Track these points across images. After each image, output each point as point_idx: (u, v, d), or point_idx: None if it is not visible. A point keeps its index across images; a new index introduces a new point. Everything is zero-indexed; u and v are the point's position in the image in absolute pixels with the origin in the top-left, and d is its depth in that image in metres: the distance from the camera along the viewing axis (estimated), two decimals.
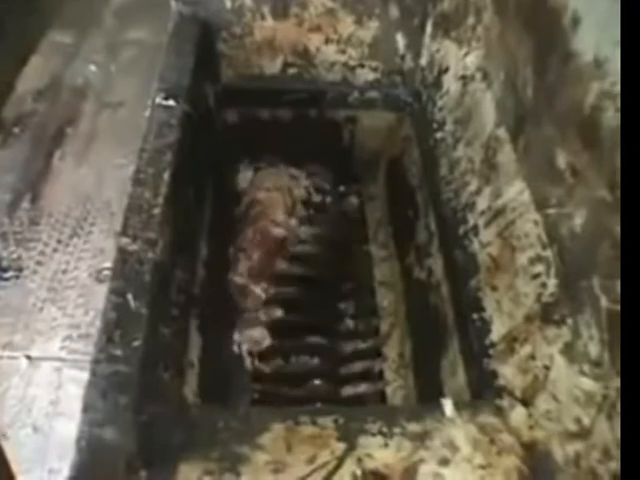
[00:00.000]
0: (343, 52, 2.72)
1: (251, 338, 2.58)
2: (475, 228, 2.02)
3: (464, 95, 2.23)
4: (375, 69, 2.79)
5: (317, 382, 2.53)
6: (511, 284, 1.76)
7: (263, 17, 2.60)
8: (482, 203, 1.99)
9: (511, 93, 1.87)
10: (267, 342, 2.59)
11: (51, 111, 2.18)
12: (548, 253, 1.58)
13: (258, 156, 3.16)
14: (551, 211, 1.58)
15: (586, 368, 1.39)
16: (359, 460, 1.51)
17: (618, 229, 1.29)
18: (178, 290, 1.92)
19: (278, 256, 2.87)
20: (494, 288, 1.86)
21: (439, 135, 2.42)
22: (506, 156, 1.87)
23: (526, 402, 1.62)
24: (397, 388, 2.54)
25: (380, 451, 1.55)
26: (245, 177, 3.13)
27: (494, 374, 1.79)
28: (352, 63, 2.77)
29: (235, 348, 2.56)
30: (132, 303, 1.56)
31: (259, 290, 2.72)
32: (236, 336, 2.59)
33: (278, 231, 2.93)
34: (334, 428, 1.60)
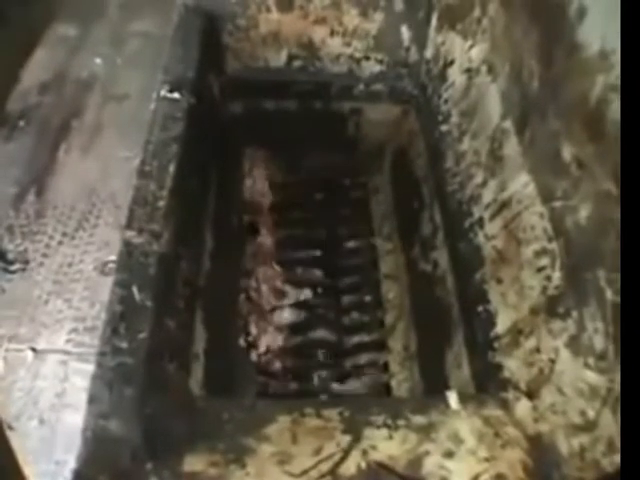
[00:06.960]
0: (348, 44, 2.72)
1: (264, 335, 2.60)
2: (480, 221, 2.02)
3: (469, 88, 2.22)
4: (380, 61, 2.78)
5: (322, 374, 2.54)
6: (516, 277, 1.76)
7: (268, 9, 2.59)
8: (487, 196, 1.99)
9: (516, 86, 1.86)
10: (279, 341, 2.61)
11: (56, 104, 2.18)
12: (553, 246, 1.58)
13: (263, 148, 3.15)
14: (557, 204, 1.58)
15: (591, 361, 1.39)
16: (364, 452, 1.52)
17: None
18: (183, 282, 1.93)
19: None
20: (499, 281, 1.86)
21: (444, 128, 2.41)
22: (512, 149, 1.86)
23: (531, 395, 1.63)
24: (402, 380, 2.54)
25: (385, 443, 1.55)
26: (250, 168, 3.13)
27: (499, 367, 1.79)
28: (357, 55, 2.76)
29: (240, 340, 2.56)
30: (137, 296, 1.57)
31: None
32: (246, 330, 2.60)
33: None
34: (339, 420, 1.61)
